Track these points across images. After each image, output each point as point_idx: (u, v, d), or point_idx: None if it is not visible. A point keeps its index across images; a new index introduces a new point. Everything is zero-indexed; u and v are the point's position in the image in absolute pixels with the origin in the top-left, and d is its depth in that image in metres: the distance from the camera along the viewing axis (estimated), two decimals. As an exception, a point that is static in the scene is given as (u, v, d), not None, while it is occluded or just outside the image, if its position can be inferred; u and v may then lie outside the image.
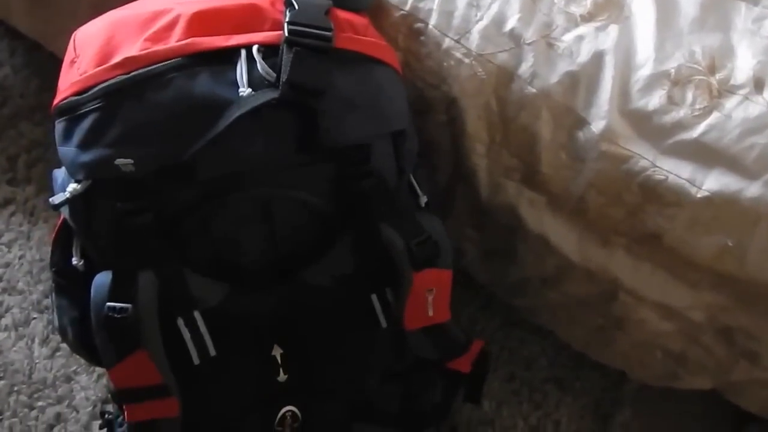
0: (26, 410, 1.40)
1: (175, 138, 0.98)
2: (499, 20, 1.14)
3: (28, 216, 1.56)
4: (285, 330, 1.08)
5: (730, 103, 1.10)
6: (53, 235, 1.12)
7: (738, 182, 1.07)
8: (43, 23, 1.46)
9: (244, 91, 0.98)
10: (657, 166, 1.09)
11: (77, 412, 1.40)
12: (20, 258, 1.53)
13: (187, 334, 1.03)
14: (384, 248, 1.07)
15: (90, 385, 1.42)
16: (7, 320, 1.47)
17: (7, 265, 1.52)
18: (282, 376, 1.09)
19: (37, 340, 1.45)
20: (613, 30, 1.14)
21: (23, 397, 1.40)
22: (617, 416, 1.44)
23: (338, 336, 1.11)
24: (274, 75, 0.99)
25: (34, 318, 1.47)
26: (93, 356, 1.08)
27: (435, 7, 1.16)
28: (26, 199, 1.58)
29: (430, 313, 1.10)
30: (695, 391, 1.32)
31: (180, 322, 1.03)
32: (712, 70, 1.12)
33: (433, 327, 1.12)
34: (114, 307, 1.00)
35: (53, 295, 1.14)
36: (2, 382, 1.41)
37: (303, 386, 1.10)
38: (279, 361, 1.08)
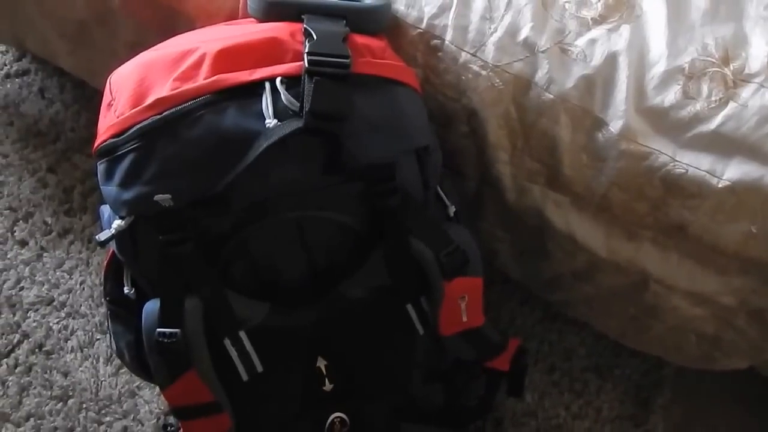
0: (95, 425, 1.46)
1: (208, 171, 1.02)
2: (512, 31, 1.16)
3: (87, 243, 1.62)
4: (327, 342, 1.13)
5: (745, 92, 1.11)
6: (104, 267, 1.17)
7: (758, 169, 1.09)
8: (85, 62, 1.51)
9: (271, 122, 1.02)
10: (677, 161, 1.11)
11: (142, 425, 1.46)
12: (81, 283, 1.59)
13: (234, 353, 1.09)
14: (415, 260, 1.11)
15: (153, 398, 1.47)
16: (72, 342, 1.53)
17: (70, 291, 1.58)
18: (328, 386, 1.13)
19: (101, 360, 1.51)
20: (625, 30, 1.15)
21: (92, 414, 1.47)
22: (658, 399, 1.46)
23: (378, 344, 1.15)
24: (298, 104, 1.02)
25: (98, 339, 1.53)
26: (150, 376, 1.14)
27: (450, 23, 1.18)
28: (83, 228, 1.64)
29: (464, 319, 1.14)
30: (735, 371, 1.33)
31: (227, 342, 1.08)
32: (725, 61, 1.13)
33: (468, 331, 1.16)
34: (164, 333, 1.06)
35: (108, 321, 1.19)
36: (72, 400, 1.48)
37: (348, 393, 1.15)
38: (324, 372, 1.13)
